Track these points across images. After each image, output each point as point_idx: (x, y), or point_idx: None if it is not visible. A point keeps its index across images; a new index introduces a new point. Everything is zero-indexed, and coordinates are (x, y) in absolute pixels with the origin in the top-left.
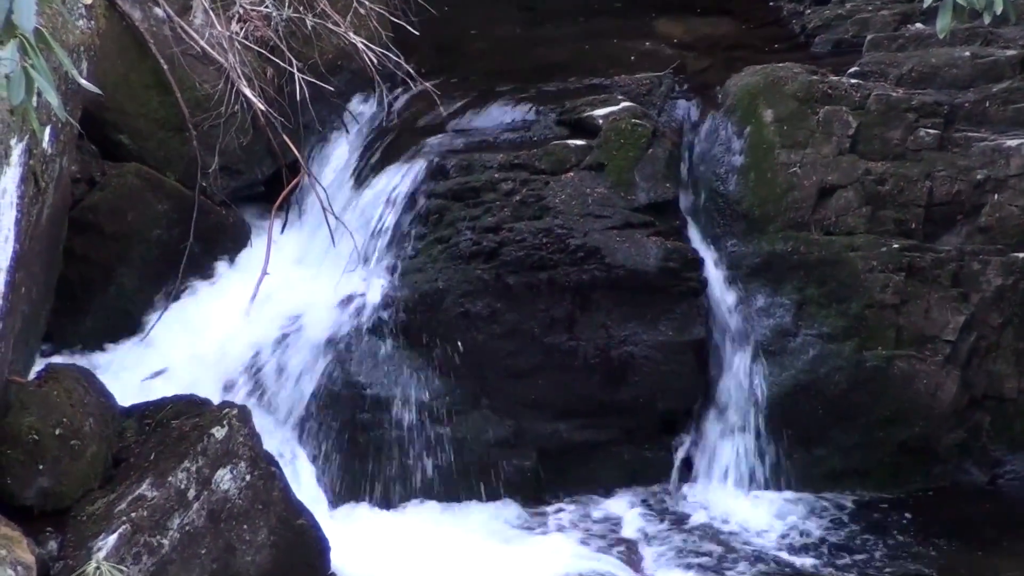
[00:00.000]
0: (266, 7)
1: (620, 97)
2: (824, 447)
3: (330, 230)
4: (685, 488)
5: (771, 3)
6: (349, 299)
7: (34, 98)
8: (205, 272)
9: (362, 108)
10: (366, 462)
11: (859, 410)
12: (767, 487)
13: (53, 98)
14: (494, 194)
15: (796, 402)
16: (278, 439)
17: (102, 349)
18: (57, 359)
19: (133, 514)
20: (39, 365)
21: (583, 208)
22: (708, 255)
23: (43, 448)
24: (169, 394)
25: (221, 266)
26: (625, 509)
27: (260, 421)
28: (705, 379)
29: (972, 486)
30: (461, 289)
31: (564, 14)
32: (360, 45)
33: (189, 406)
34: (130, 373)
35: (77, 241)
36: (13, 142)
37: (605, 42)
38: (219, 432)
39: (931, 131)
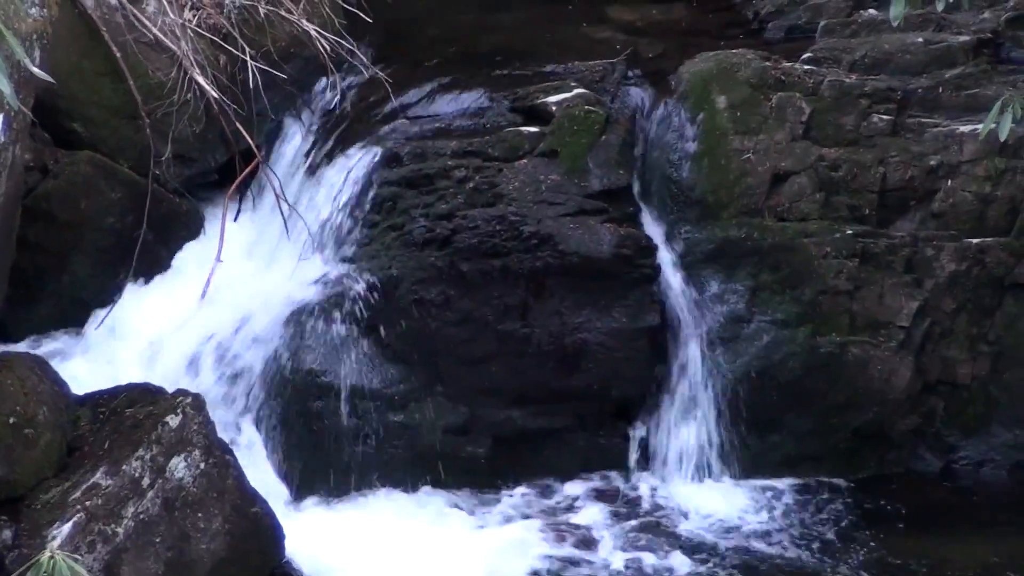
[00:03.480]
0: None
1: (573, 84)
2: (778, 433)
3: (283, 218)
4: (640, 475)
5: None
6: (303, 287)
7: None
8: (159, 260)
9: (315, 96)
10: (320, 450)
11: (813, 396)
12: (721, 473)
13: (5, 86)
14: (447, 181)
15: (750, 388)
16: (232, 427)
17: (55, 337)
18: (10, 347)
19: (88, 503)
20: None
21: (536, 195)
22: (661, 242)
23: None
24: (123, 383)
25: (174, 254)
26: (580, 496)
27: (214, 409)
28: (659, 366)
29: (926, 472)
30: (415, 276)
31: (517, 0)
32: (313, 32)
33: (143, 394)
34: (84, 361)
35: (30, 229)
36: None
37: (558, 28)
38: (173, 420)
39: (884, 117)
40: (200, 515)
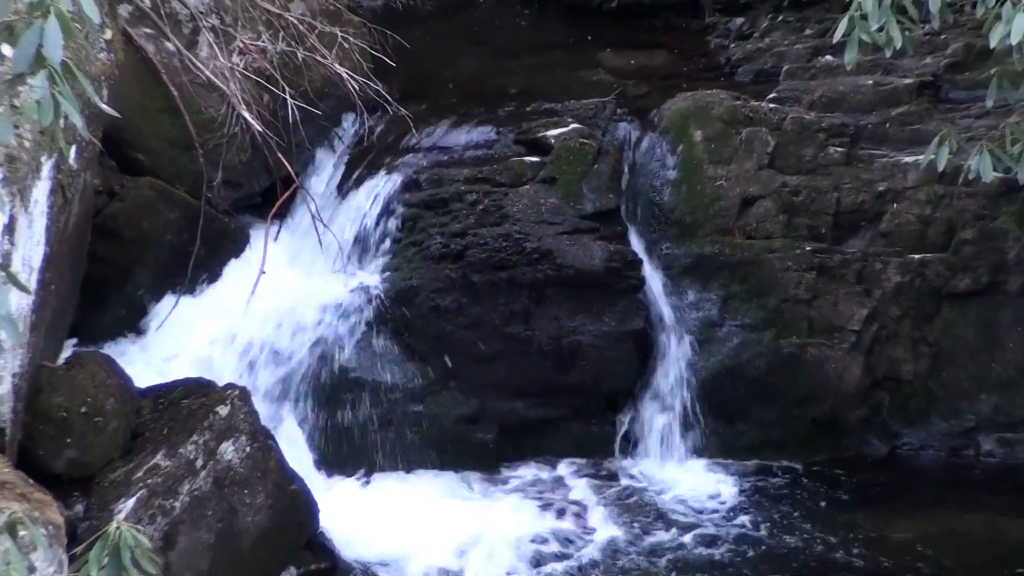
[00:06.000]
0: (263, 42)
1: (569, 120)
2: (746, 422)
3: (318, 235)
4: (625, 457)
5: (702, 38)
6: (335, 295)
7: (61, 121)
8: (210, 272)
9: (346, 129)
10: (349, 435)
11: (776, 391)
12: (696, 457)
13: (78, 120)
14: (460, 204)
15: (722, 384)
16: (274, 416)
17: (121, 339)
18: (82, 347)
19: (149, 481)
20: (67, 352)
21: (537, 216)
22: (646, 256)
23: (70, 424)
24: (180, 377)
25: (224, 267)
26: (574, 476)
27: (258, 400)
28: (643, 364)
29: (873, 456)
30: (432, 286)
31: (520, 48)
32: (344, 75)
33: (197, 388)
34: (146, 359)
35: (99, 245)
36: (44, 159)
37: (556, 72)
38: (223, 410)
39: (839, 149)
40: (246, 492)
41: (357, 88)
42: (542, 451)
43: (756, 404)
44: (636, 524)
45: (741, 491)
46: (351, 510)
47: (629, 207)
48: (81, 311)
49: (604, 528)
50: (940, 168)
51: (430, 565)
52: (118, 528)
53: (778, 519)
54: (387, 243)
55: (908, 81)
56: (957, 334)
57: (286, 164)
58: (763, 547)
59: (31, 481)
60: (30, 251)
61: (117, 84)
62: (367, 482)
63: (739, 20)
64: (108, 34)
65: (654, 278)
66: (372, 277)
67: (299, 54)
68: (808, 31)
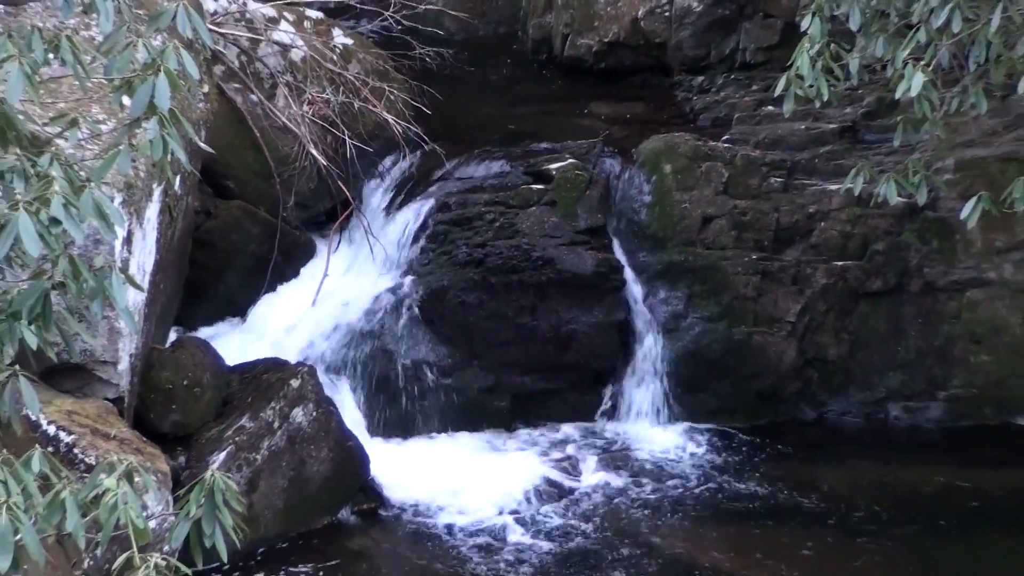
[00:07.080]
0: (327, 95)
1: (567, 155)
2: (706, 393)
3: (370, 246)
4: (610, 421)
5: (671, 92)
6: (383, 293)
7: (169, 156)
8: (285, 275)
9: (392, 163)
10: (394, 403)
11: (729, 369)
12: (666, 420)
13: (182, 156)
14: (481, 222)
15: (686, 363)
16: (335, 387)
17: (215, 327)
18: (184, 333)
19: (237, 439)
20: (172, 337)
21: (542, 231)
22: (627, 263)
23: (175, 394)
24: (261, 357)
25: (296, 271)
26: (570, 435)
27: (322, 375)
28: (625, 347)
29: (805, 420)
30: (459, 286)
31: (528, 99)
32: (391, 120)
33: (274, 365)
34: (234, 344)
35: (198, 254)
36: (155, 186)
37: (556, 118)
38: (295, 383)
39: (778, 179)
40: (312, 447)
41: (400, 131)
42: (545, 416)
43: (713, 379)
44: (618, 472)
45: (701, 447)
46: (395, 462)
47: (614, 224)
48: (183, 305)
49: (593, 475)
50: (856, 193)
51: (456, 502)
52: (212, 475)
53: (731, 469)
54: (424, 252)
55: (833, 126)
56: (871, 325)
57: (345, 190)
58: (719, 491)
59: (144, 438)
60: (143, 258)
61: (212, 127)
62: (406, 440)
63: (700, 78)
64: (205, 88)
65: (633, 280)
66: (411, 279)
67: (355, 104)
68: (754, 87)
